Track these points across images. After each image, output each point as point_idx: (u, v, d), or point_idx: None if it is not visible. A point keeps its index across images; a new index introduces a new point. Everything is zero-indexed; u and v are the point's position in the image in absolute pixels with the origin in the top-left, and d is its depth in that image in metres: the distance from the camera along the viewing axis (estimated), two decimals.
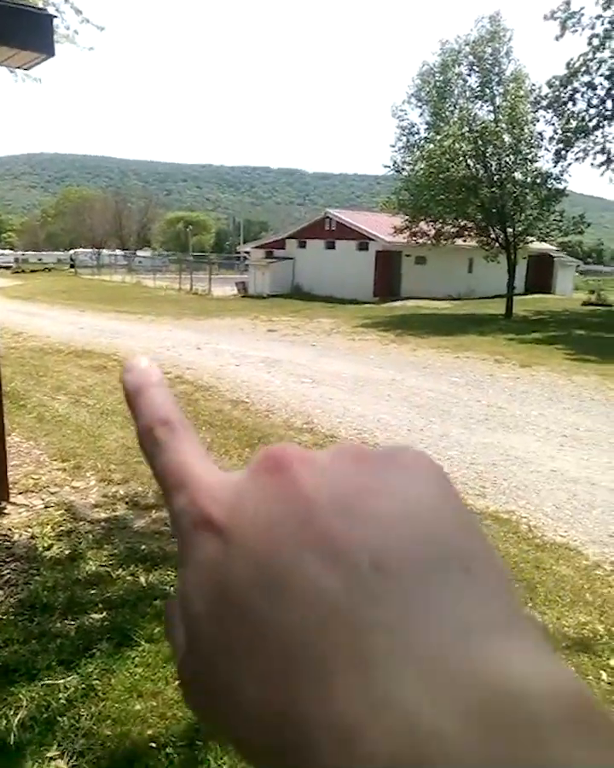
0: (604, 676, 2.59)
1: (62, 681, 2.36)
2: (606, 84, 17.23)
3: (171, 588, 3.03)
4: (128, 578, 3.10)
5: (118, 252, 56.48)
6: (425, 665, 0.15)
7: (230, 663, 0.17)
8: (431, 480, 0.19)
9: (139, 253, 57.92)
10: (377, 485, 0.18)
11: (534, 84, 18.65)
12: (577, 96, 17.60)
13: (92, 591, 2.97)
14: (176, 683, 2.39)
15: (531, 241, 20.70)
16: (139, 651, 2.55)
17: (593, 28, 17.01)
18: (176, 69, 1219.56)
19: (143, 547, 3.41)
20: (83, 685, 2.34)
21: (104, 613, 2.80)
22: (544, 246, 25.54)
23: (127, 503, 4.00)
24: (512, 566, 3.46)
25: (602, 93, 17.36)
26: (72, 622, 2.73)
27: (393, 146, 21.36)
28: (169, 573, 3.15)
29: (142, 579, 3.09)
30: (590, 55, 17.17)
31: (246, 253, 33.55)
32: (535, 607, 3.07)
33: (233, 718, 0.17)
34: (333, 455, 0.20)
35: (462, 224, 20.36)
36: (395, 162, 21.25)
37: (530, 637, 0.16)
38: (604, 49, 17.01)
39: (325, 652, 0.16)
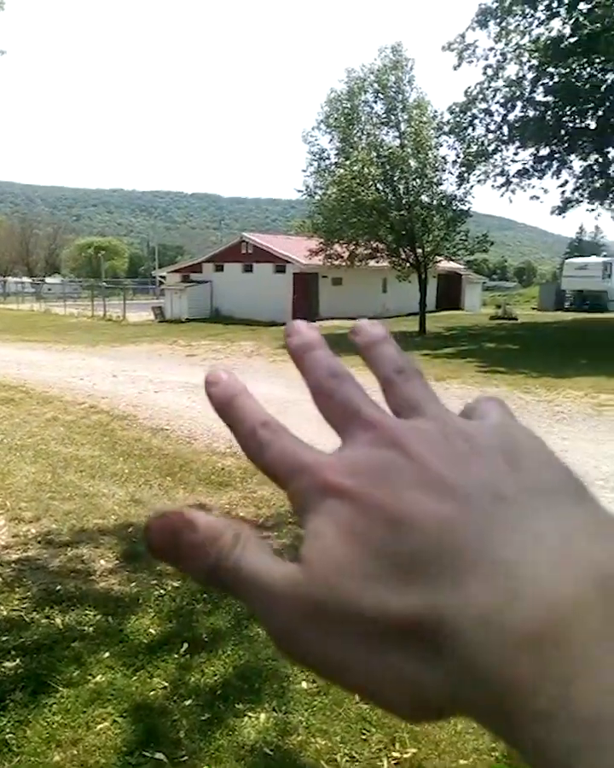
0: None
1: None
2: (502, 110, 18.38)
3: (91, 628, 2.88)
4: (43, 621, 2.93)
5: (25, 279, 54.33)
6: (554, 555, 0.17)
7: (373, 591, 0.19)
8: (511, 421, 0.22)
9: (48, 279, 55.81)
10: (471, 431, 0.22)
11: (436, 111, 19.62)
12: (476, 121, 18.65)
13: (4, 638, 2.79)
14: (99, 727, 2.26)
15: (440, 261, 21.59)
16: (57, 698, 2.41)
17: (486, 59, 18.17)
18: (83, 92, 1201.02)
19: (59, 588, 3.23)
20: None
21: (18, 661, 2.63)
22: (452, 265, 26.69)
23: (39, 542, 3.79)
24: None
25: (498, 119, 18.48)
26: None
27: (305, 171, 21.83)
28: (87, 612, 3.01)
29: (59, 621, 2.92)
30: (486, 84, 18.29)
31: (162, 277, 33.08)
32: None
33: (366, 642, 0.19)
34: (425, 416, 0.23)
35: (375, 245, 20.98)
36: (307, 187, 21.70)
37: None
38: (497, 78, 18.18)
39: (457, 558, 0.18)
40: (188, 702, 2.42)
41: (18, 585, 3.24)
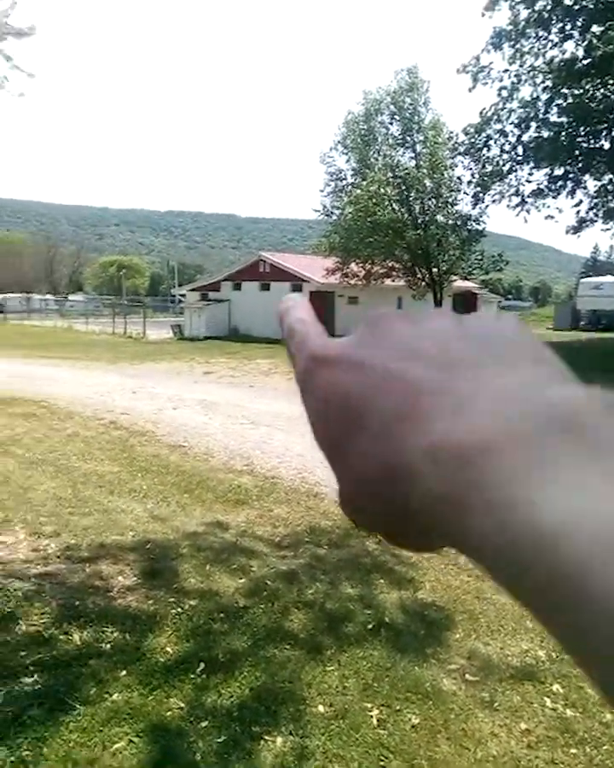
0: (548, 702, 2.62)
1: None
2: (516, 131, 18.48)
3: (109, 646, 2.88)
4: (61, 637, 2.94)
5: (49, 296, 55.19)
6: (502, 395, 0.19)
7: (349, 441, 0.22)
8: (512, 320, 0.25)
9: (71, 297, 56.66)
10: (466, 327, 0.24)
11: (451, 132, 19.80)
12: (491, 142, 18.76)
13: (22, 654, 2.79)
14: (115, 747, 2.26)
15: (455, 280, 21.63)
16: (74, 716, 2.41)
17: (501, 81, 18.33)
18: (105, 114, 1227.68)
19: (77, 603, 3.24)
20: (12, 758, 2.18)
21: (35, 677, 2.63)
22: (467, 284, 26.68)
23: (59, 557, 3.81)
24: (454, 598, 3.48)
25: (513, 140, 18.58)
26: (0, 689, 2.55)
27: (322, 191, 22.10)
28: (106, 630, 3.01)
29: (77, 638, 2.93)
30: (500, 106, 18.43)
31: (182, 295, 33.48)
32: (479, 637, 3.09)
33: (357, 476, 0.22)
34: (422, 313, 0.26)
35: (390, 264, 21.11)
36: (324, 206, 21.97)
37: (582, 388, 0.20)
38: (512, 100, 18.32)
39: (423, 407, 0.20)
40: (204, 724, 2.40)
41: (37, 601, 3.26)
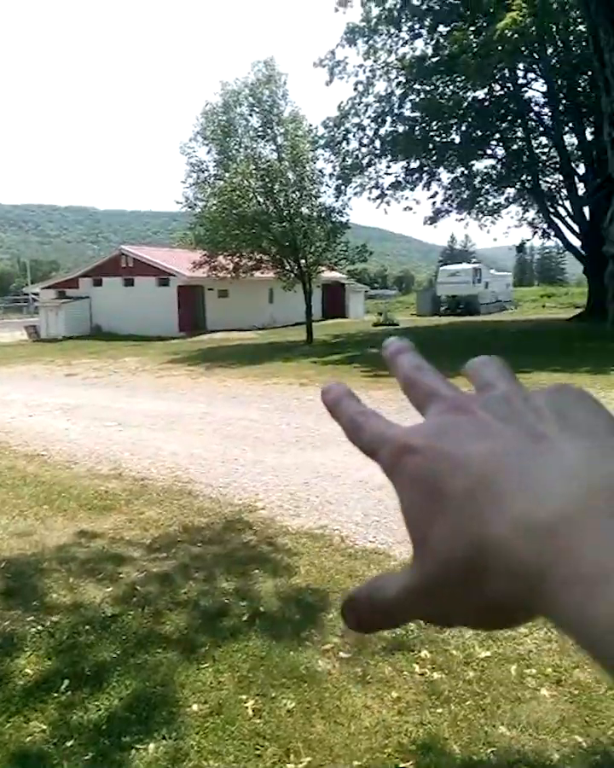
0: (417, 668, 2.73)
1: None
2: (373, 125, 19.16)
3: None
4: None
5: None
6: (571, 469, 0.22)
7: (435, 521, 0.24)
8: (583, 395, 0.27)
9: None
10: (527, 394, 0.27)
11: (311, 125, 20.08)
12: (350, 136, 19.32)
13: None
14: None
15: (322, 271, 22.06)
16: None
17: (357, 76, 18.89)
18: None
19: None
20: None
21: None
22: (335, 274, 27.36)
23: None
24: (328, 579, 3.54)
25: (370, 133, 19.26)
26: None
27: (184, 182, 21.54)
28: None
29: None
30: (357, 100, 19.00)
31: (35, 294, 31.38)
32: None
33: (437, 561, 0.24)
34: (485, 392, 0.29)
35: (259, 257, 21.07)
36: (187, 198, 21.41)
37: None
38: (368, 94, 18.95)
39: (498, 483, 0.23)
40: (69, 743, 2.26)
41: None
